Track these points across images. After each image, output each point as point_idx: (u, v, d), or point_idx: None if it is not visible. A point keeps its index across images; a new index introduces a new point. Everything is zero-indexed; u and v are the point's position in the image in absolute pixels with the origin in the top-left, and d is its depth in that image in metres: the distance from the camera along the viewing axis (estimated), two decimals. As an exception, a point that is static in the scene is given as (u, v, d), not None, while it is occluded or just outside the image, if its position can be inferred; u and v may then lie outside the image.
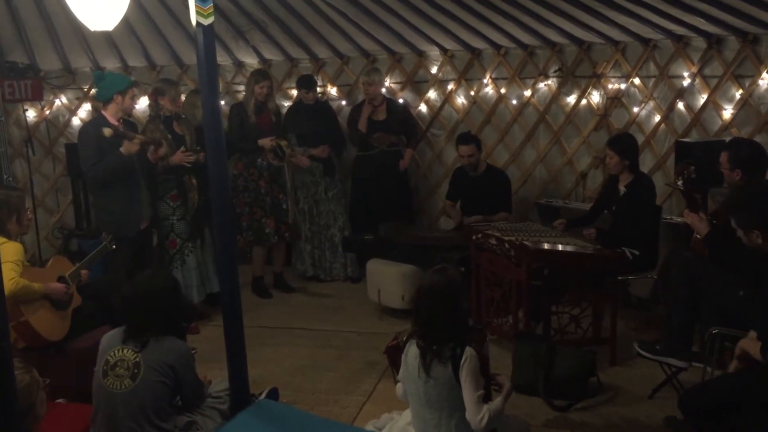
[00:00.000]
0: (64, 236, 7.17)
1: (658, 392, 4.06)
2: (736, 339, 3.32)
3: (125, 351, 3.23)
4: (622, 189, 4.96)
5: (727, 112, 5.52)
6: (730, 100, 5.53)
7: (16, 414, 2.18)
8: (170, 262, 5.31)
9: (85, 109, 7.23)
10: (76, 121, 7.23)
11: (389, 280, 5.41)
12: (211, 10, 3.31)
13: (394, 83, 6.82)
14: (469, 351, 2.91)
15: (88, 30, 3.23)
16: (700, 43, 5.57)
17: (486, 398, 2.97)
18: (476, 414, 2.87)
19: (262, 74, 6.03)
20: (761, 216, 3.12)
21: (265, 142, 5.82)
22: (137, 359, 3.20)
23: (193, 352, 4.43)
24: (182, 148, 5.21)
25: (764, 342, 3.02)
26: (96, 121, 4.95)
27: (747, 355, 3.13)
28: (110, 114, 4.89)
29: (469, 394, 2.88)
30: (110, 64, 7.06)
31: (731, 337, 3.51)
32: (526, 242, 4.44)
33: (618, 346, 4.51)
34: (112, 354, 3.25)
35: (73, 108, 7.27)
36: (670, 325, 4.08)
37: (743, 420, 3.02)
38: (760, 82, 5.33)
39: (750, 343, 3.16)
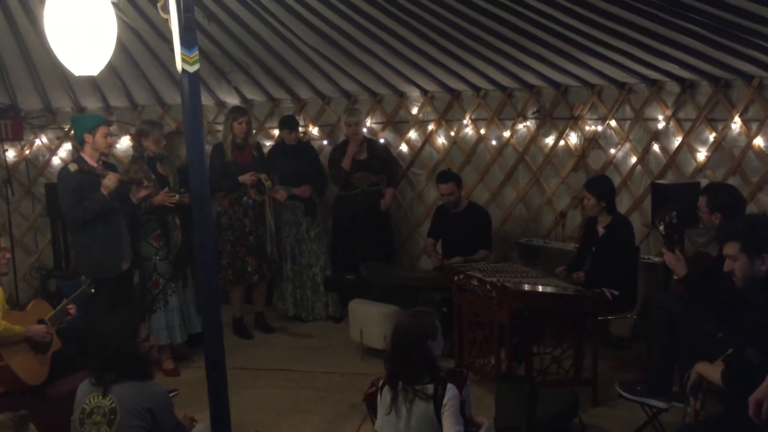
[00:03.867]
0: (42, 276, 7.08)
1: (639, 433, 4.08)
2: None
3: (100, 397, 3.20)
4: (600, 230, 5.04)
5: (701, 155, 5.65)
6: (704, 142, 5.66)
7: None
8: (152, 302, 5.27)
9: (65, 149, 7.22)
10: (56, 161, 7.21)
11: (372, 320, 5.41)
12: (197, 57, 3.33)
13: (375, 123, 6.90)
14: (451, 389, 2.98)
15: (69, 71, 3.26)
16: (673, 87, 5.72)
17: None
18: None
19: (239, 110, 6.05)
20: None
21: (246, 177, 5.83)
22: (113, 405, 3.16)
23: (173, 394, 4.41)
24: (165, 189, 5.21)
25: (728, 367, 3.08)
26: (74, 162, 4.93)
27: (702, 380, 3.24)
28: (87, 155, 4.86)
29: (448, 428, 2.94)
30: (92, 105, 7.08)
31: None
32: (507, 283, 4.49)
33: (599, 386, 4.54)
34: (87, 402, 3.21)
35: (53, 148, 7.26)
36: (650, 366, 4.13)
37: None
38: (733, 125, 5.46)
39: (707, 368, 3.23)
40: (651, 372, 4.08)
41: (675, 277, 3.96)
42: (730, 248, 3.16)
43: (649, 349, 4.21)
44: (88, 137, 4.83)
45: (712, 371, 3.21)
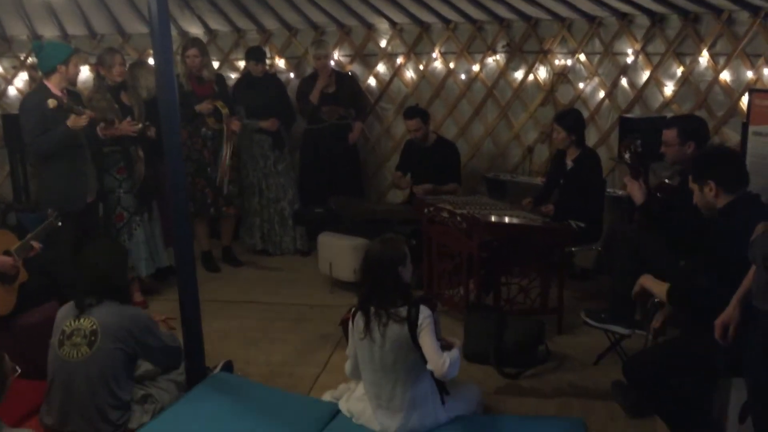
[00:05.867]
0: (1, 210, 6.93)
1: (603, 359, 4.22)
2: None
3: (82, 320, 3.21)
4: (569, 163, 5.08)
5: (669, 89, 5.70)
6: (672, 77, 5.71)
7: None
8: (117, 235, 5.20)
9: (21, 79, 6.97)
10: (12, 91, 6.98)
11: (341, 253, 5.43)
12: (164, -23, 3.24)
13: (343, 56, 6.78)
14: (424, 310, 3.05)
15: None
16: (643, 20, 5.72)
17: None
18: (438, 359, 2.99)
19: (190, 42, 5.85)
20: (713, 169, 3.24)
21: (203, 106, 5.69)
22: (94, 327, 3.19)
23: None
24: (128, 119, 5.07)
25: (675, 287, 3.24)
26: (39, 91, 4.76)
27: (646, 293, 3.44)
28: (53, 84, 4.71)
29: (428, 345, 3.01)
30: (49, 33, 6.82)
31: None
32: (476, 215, 4.53)
33: (564, 315, 4.66)
34: (68, 324, 3.25)
35: (9, 77, 7.01)
36: (614, 294, 4.23)
37: (682, 382, 3.20)
38: (700, 59, 5.52)
39: (652, 282, 3.42)
40: (614, 300, 4.18)
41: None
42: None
43: (613, 277, 4.30)
44: (61, 68, 4.67)
45: (656, 286, 3.37)
